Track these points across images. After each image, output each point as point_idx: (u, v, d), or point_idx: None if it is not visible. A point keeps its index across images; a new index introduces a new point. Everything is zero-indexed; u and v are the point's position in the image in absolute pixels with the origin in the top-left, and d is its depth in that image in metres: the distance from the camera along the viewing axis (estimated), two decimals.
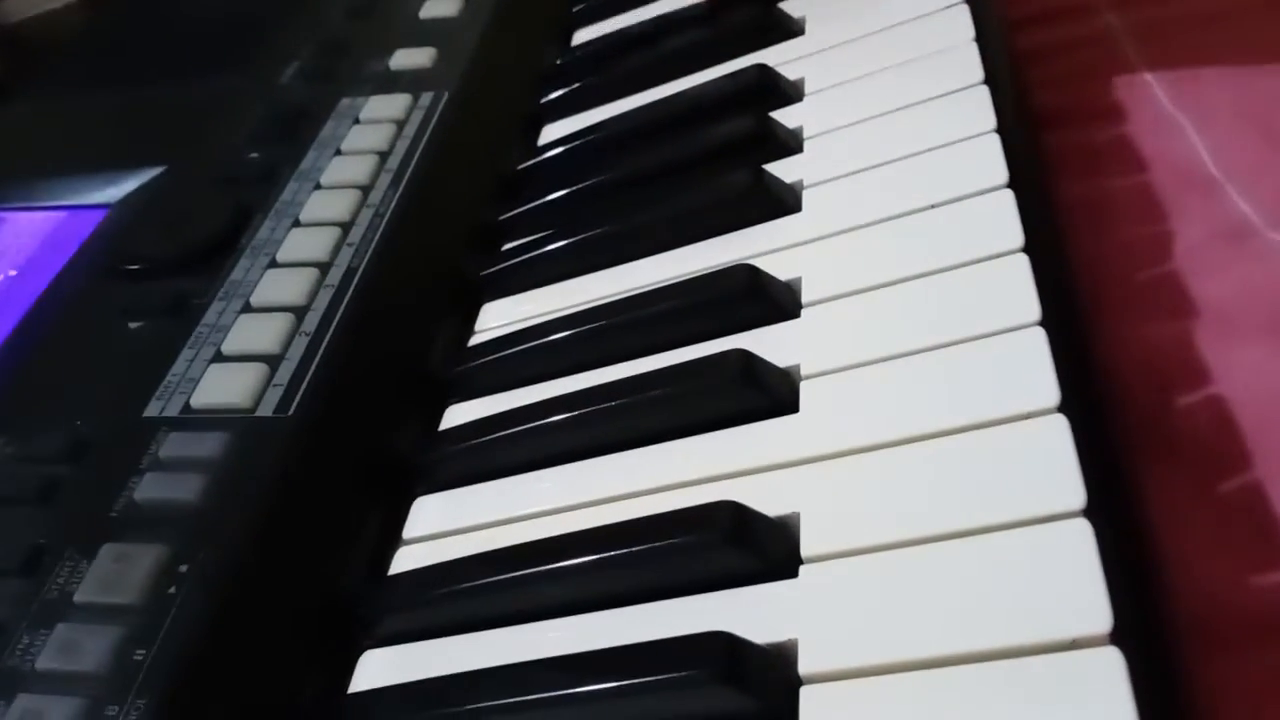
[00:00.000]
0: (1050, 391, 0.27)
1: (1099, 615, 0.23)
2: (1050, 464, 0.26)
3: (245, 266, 0.40)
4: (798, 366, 0.32)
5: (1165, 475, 0.29)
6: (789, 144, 0.41)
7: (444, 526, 0.34)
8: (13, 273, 0.45)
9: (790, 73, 0.44)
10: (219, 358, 0.36)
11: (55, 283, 0.43)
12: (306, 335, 0.37)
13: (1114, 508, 0.26)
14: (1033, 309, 0.29)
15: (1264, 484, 0.28)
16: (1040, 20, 0.46)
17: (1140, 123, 0.40)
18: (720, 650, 0.25)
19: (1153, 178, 0.38)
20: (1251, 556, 0.27)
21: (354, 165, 0.44)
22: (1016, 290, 0.30)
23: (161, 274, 0.40)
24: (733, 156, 0.41)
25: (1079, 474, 0.25)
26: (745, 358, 0.32)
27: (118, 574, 0.30)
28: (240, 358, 0.36)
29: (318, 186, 0.43)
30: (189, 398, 0.35)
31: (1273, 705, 0.25)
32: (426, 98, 0.48)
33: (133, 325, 0.39)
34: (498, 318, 0.41)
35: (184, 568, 0.30)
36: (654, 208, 0.41)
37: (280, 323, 0.37)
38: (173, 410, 0.35)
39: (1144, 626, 0.24)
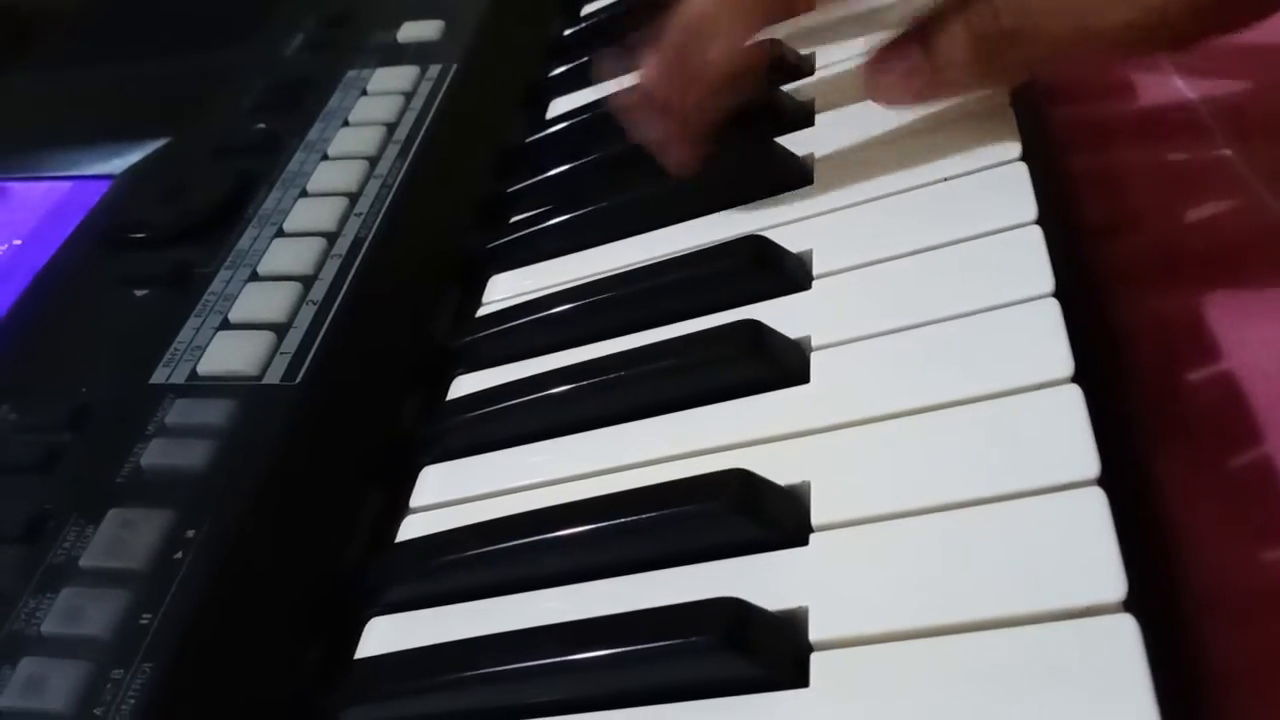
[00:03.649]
0: (1064, 362, 0.27)
1: (1112, 583, 0.22)
2: (1064, 433, 0.25)
3: (252, 236, 0.40)
4: (808, 338, 0.32)
5: (1178, 448, 0.29)
6: (799, 117, 0.40)
7: (451, 495, 0.33)
8: (17, 242, 0.45)
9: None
10: (226, 326, 0.36)
11: (60, 252, 0.42)
12: (314, 304, 0.36)
13: (1127, 478, 0.26)
14: (1046, 280, 0.29)
15: (1276, 458, 0.28)
16: None
17: (1152, 96, 0.40)
18: (729, 616, 0.25)
19: (1165, 152, 0.38)
20: (1264, 529, 0.27)
21: (361, 136, 0.44)
22: (1030, 262, 0.30)
23: (167, 243, 0.40)
24: (743, 129, 0.40)
25: (1093, 443, 0.25)
26: (755, 328, 0.32)
27: (124, 539, 0.30)
28: (247, 326, 0.36)
29: (325, 157, 0.43)
30: (195, 365, 0.35)
31: None
32: (434, 70, 0.48)
33: (139, 294, 0.38)
34: (505, 289, 0.41)
35: (190, 533, 0.30)
36: (662, 181, 0.41)
37: (287, 291, 0.37)
38: (179, 377, 0.34)
39: (1157, 596, 0.24)
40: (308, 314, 0.36)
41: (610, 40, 0.52)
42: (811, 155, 0.38)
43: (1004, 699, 0.22)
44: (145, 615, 0.28)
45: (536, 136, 0.48)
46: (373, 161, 0.43)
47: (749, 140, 0.39)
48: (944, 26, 0.32)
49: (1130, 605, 0.22)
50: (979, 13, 0.31)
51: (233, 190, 0.42)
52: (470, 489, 0.33)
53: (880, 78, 0.34)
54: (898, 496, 0.26)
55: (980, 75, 0.33)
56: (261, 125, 0.46)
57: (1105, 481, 0.24)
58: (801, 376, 0.31)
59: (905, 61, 0.33)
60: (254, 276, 0.38)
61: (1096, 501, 0.24)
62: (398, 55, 0.49)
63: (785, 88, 0.42)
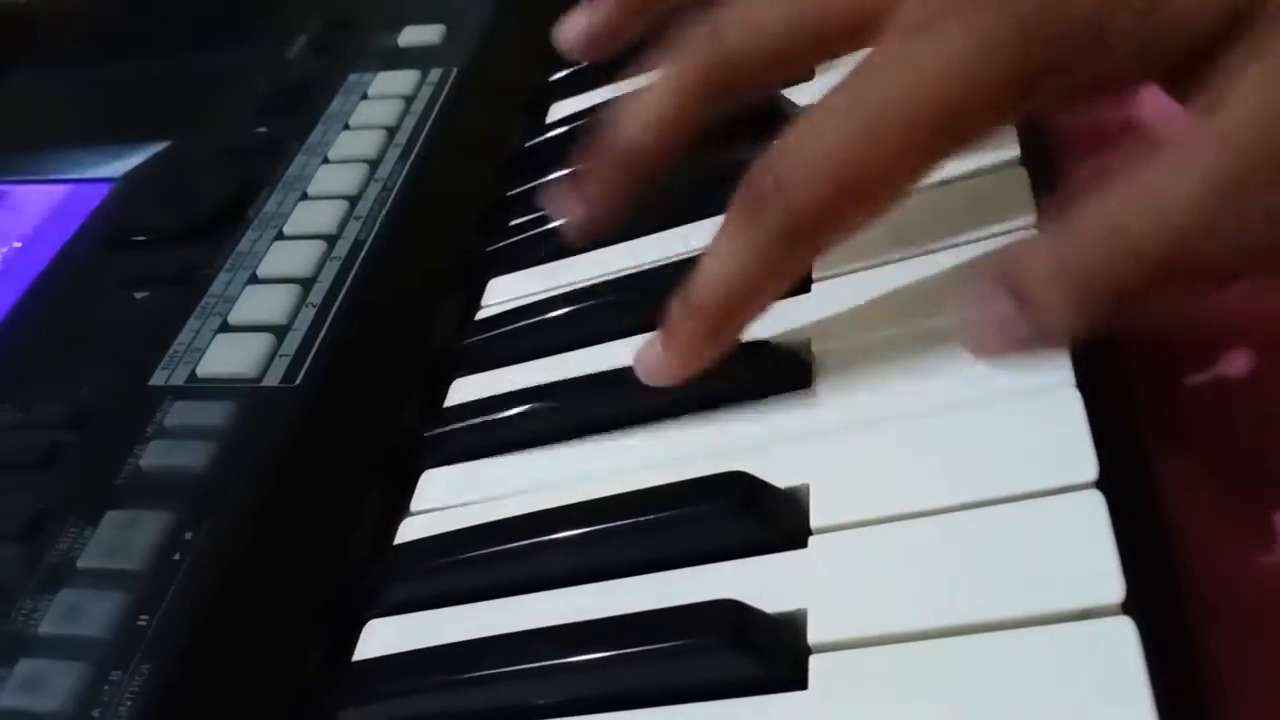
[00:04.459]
0: (1064, 366, 0.27)
1: (1111, 585, 0.22)
2: (1062, 436, 0.25)
3: (252, 238, 0.40)
4: (808, 340, 0.32)
5: (1180, 450, 0.29)
6: None
7: (452, 499, 0.33)
8: (18, 244, 0.45)
9: None
10: (225, 328, 0.36)
11: (61, 254, 0.42)
12: (313, 306, 0.36)
13: (1126, 482, 0.26)
14: None
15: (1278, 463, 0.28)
16: None
17: (1153, 101, 0.40)
18: (729, 618, 0.25)
19: None
20: (1268, 533, 0.27)
21: (362, 140, 0.44)
22: None
23: (168, 245, 0.40)
24: (742, 133, 0.41)
25: (1091, 446, 0.25)
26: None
27: (122, 540, 0.30)
28: (247, 328, 0.36)
29: (325, 160, 0.43)
30: (195, 367, 0.35)
31: None
32: (435, 74, 0.48)
33: (139, 295, 0.38)
34: (504, 292, 0.41)
35: (189, 535, 0.30)
36: (662, 184, 0.41)
37: (287, 294, 0.37)
38: (179, 379, 0.34)
39: (1157, 598, 0.24)
40: (307, 316, 0.36)
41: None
42: None
43: (1002, 701, 0.22)
44: (143, 616, 0.28)
45: (537, 140, 0.48)
46: (373, 165, 0.43)
47: (748, 145, 0.39)
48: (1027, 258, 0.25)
49: (1129, 608, 0.22)
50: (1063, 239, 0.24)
51: (233, 193, 0.42)
52: (471, 492, 0.33)
53: (974, 334, 0.26)
54: (896, 499, 0.26)
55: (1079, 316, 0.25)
56: (263, 128, 0.46)
57: (1104, 484, 0.24)
58: (801, 379, 0.31)
59: (995, 310, 0.25)
60: (254, 279, 0.38)
61: (1095, 504, 0.24)
62: (399, 59, 0.49)
63: (787, 92, 0.42)
